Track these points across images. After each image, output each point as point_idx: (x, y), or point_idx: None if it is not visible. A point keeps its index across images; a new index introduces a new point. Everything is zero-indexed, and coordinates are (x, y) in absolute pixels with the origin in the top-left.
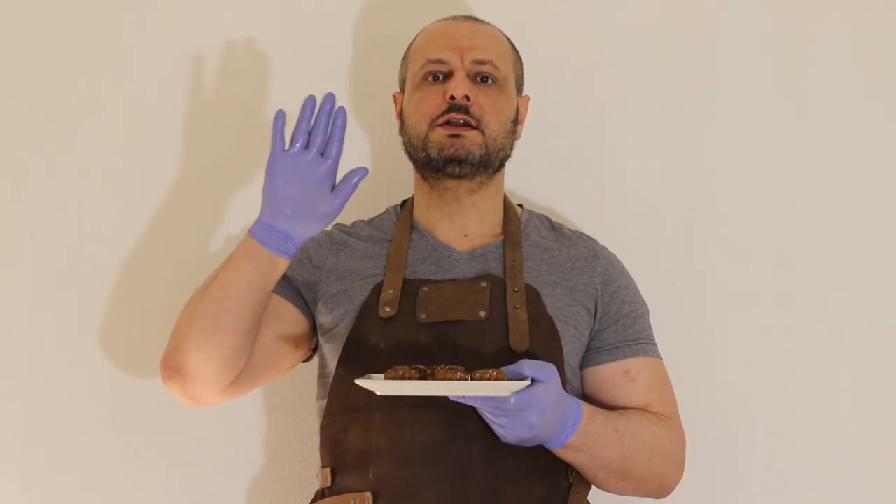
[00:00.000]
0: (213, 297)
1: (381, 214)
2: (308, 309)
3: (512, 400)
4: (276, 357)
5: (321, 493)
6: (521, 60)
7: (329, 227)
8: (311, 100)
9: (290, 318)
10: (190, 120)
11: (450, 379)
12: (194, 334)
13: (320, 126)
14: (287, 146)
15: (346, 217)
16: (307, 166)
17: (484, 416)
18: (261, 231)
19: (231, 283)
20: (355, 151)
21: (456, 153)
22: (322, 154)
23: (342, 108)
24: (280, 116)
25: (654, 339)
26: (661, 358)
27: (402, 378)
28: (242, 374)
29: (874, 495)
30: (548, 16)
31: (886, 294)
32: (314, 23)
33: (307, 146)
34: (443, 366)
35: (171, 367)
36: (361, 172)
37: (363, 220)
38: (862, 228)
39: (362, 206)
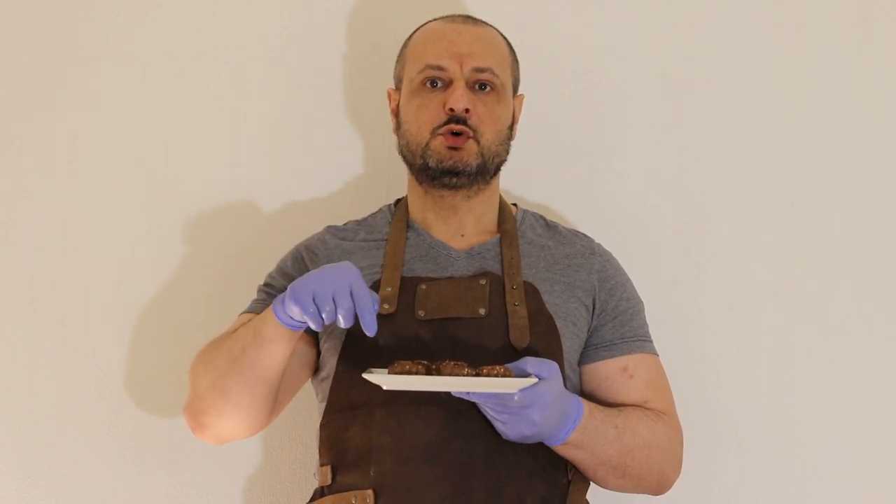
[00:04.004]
0: (246, 375)
1: (373, 214)
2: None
3: (516, 397)
4: (296, 385)
5: (320, 492)
6: (517, 61)
7: (321, 231)
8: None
9: (304, 345)
10: (191, 119)
11: (457, 375)
12: (227, 406)
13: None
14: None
15: (343, 217)
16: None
17: (486, 413)
18: (290, 320)
19: (264, 365)
20: (355, 152)
21: (454, 165)
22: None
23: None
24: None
25: (650, 336)
26: (657, 355)
27: (409, 373)
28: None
29: (874, 494)
30: (547, 16)
31: (886, 293)
32: (314, 23)
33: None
34: (448, 361)
35: (201, 424)
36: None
37: (355, 221)
38: (862, 227)
39: (363, 207)
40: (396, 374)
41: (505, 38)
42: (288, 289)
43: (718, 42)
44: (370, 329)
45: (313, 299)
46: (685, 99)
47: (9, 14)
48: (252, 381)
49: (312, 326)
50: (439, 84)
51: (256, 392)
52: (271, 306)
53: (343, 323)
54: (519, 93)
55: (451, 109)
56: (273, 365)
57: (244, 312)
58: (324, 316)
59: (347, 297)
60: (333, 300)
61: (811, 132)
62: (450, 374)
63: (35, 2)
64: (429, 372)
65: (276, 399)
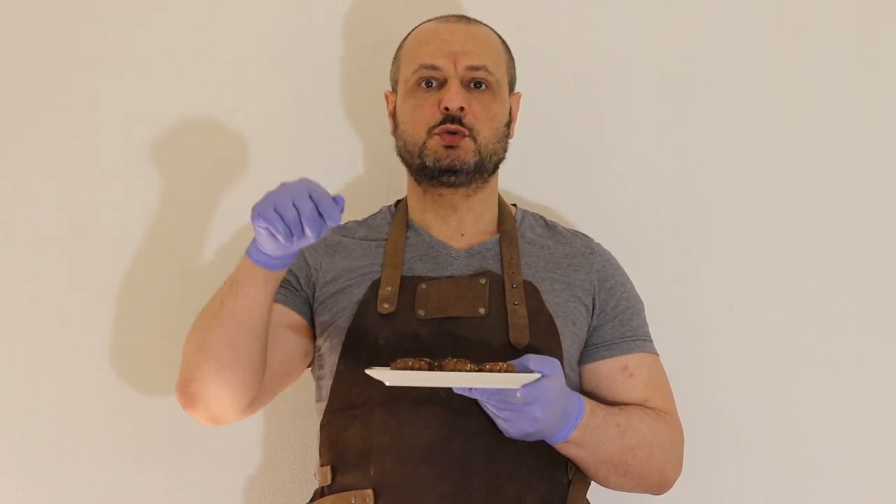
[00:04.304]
0: (226, 326)
1: (374, 214)
2: (311, 312)
3: (518, 393)
4: (290, 369)
5: (320, 492)
6: (513, 59)
7: None
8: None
9: (297, 328)
10: (190, 119)
11: (460, 371)
12: (210, 364)
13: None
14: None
15: (343, 218)
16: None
17: (488, 410)
18: (264, 259)
19: (243, 311)
20: (355, 152)
21: (451, 164)
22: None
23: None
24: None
25: (650, 336)
26: (657, 354)
27: (412, 369)
28: (260, 390)
29: (874, 494)
30: (547, 16)
31: (886, 293)
32: (314, 23)
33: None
34: (451, 359)
35: (190, 395)
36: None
37: (356, 221)
38: (862, 227)
39: (363, 208)
40: (399, 370)
41: (500, 37)
42: (251, 211)
43: (718, 42)
44: (332, 218)
45: (274, 209)
46: (685, 99)
47: (9, 14)
48: (232, 331)
49: (281, 240)
50: (434, 84)
51: (238, 345)
52: (246, 252)
53: (311, 232)
54: (517, 91)
55: (446, 108)
56: (252, 310)
57: None
58: (290, 225)
59: (307, 199)
60: (294, 205)
61: (811, 132)
62: (452, 371)
63: (35, 2)
64: (431, 369)
65: (264, 368)
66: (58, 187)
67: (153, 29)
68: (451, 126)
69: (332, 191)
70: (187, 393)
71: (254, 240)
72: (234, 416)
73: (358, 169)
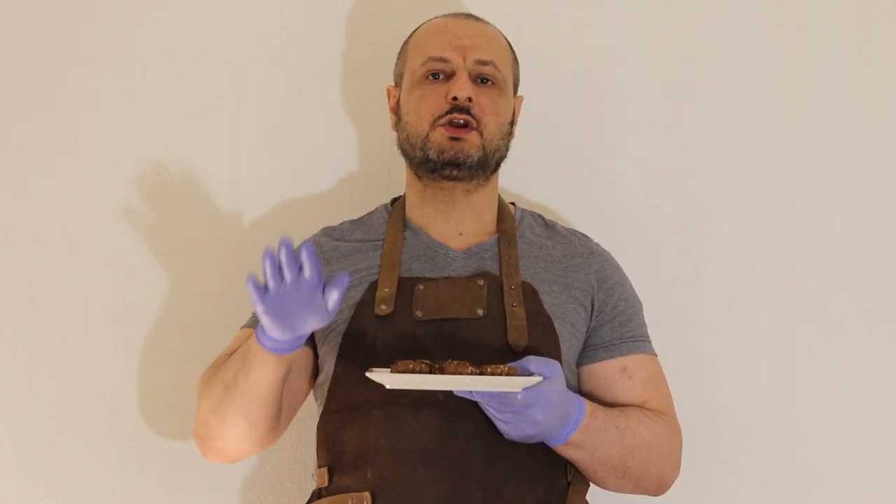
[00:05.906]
0: (241, 403)
1: (370, 213)
2: (311, 337)
3: (519, 396)
4: (298, 396)
5: (318, 493)
6: (517, 61)
7: (316, 234)
8: (269, 252)
9: (301, 357)
10: (190, 119)
11: (461, 373)
12: (228, 429)
13: (288, 262)
14: (269, 286)
15: (343, 218)
16: (294, 289)
17: (488, 413)
18: (272, 344)
19: (255, 390)
20: (355, 152)
21: (455, 156)
22: (301, 272)
23: (302, 245)
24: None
25: (649, 337)
26: (656, 355)
27: (412, 372)
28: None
29: (874, 494)
30: (547, 16)
31: (886, 293)
32: (314, 23)
33: (282, 279)
34: (451, 361)
35: (211, 449)
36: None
37: (350, 221)
38: (862, 227)
39: (364, 207)
40: (400, 372)
41: (506, 39)
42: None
43: (718, 42)
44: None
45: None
46: (685, 99)
47: (9, 14)
48: (246, 406)
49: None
50: (441, 76)
51: (252, 415)
52: (254, 333)
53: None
54: (519, 94)
55: (455, 98)
56: (265, 389)
57: (245, 326)
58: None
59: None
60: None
61: (811, 132)
62: (453, 373)
63: (35, 2)
64: (431, 371)
65: (280, 414)
66: (58, 187)
67: (153, 29)
68: (458, 116)
69: (332, 189)
70: (206, 447)
71: (260, 324)
72: (252, 454)
73: (358, 168)
